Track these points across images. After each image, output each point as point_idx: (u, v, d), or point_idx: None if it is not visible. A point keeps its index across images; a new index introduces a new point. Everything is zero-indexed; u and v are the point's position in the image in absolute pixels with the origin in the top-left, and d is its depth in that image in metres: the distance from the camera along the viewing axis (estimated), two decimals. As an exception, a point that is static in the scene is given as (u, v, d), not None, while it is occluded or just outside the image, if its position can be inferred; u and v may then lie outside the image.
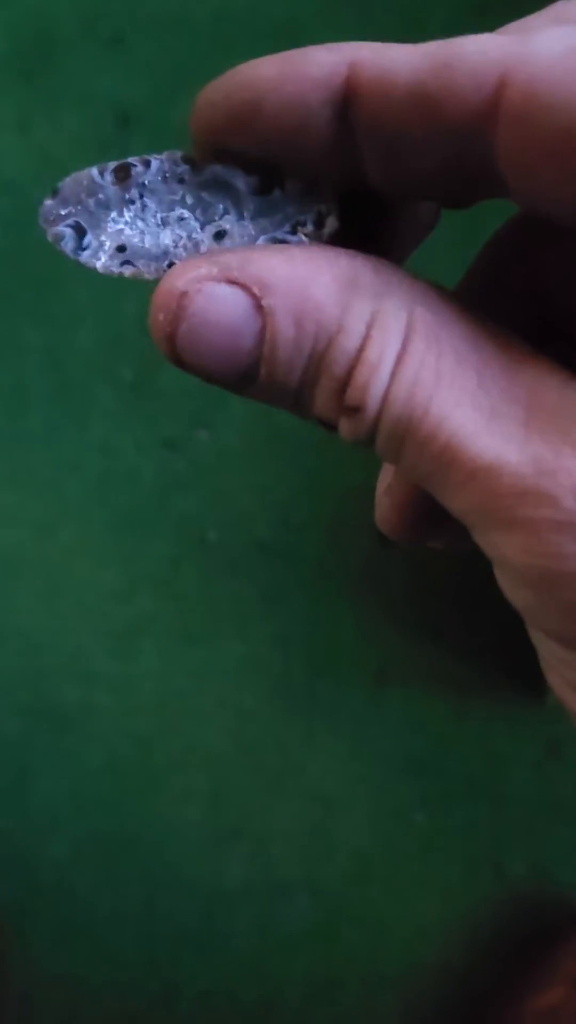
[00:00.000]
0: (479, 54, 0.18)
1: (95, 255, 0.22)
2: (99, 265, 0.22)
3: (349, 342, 0.18)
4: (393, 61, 0.18)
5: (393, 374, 0.18)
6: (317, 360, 0.18)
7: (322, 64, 0.19)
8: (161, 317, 0.19)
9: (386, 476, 0.25)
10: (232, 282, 0.19)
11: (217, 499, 0.57)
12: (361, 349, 0.18)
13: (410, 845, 0.55)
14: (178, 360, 0.19)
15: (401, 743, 0.55)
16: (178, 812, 0.55)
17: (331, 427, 0.19)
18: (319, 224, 0.21)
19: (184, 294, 0.19)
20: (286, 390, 0.19)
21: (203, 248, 0.21)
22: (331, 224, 0.21)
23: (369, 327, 0.18)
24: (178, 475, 0.57)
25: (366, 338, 0.18)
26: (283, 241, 0.21)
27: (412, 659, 0.55)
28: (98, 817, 0.55)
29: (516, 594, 0.19)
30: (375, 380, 0.18)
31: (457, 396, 0.18)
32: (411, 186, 0.20)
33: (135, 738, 0.56)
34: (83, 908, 0.55)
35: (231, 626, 0.56)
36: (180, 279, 0.19)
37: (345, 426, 0.19)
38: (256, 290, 0.18)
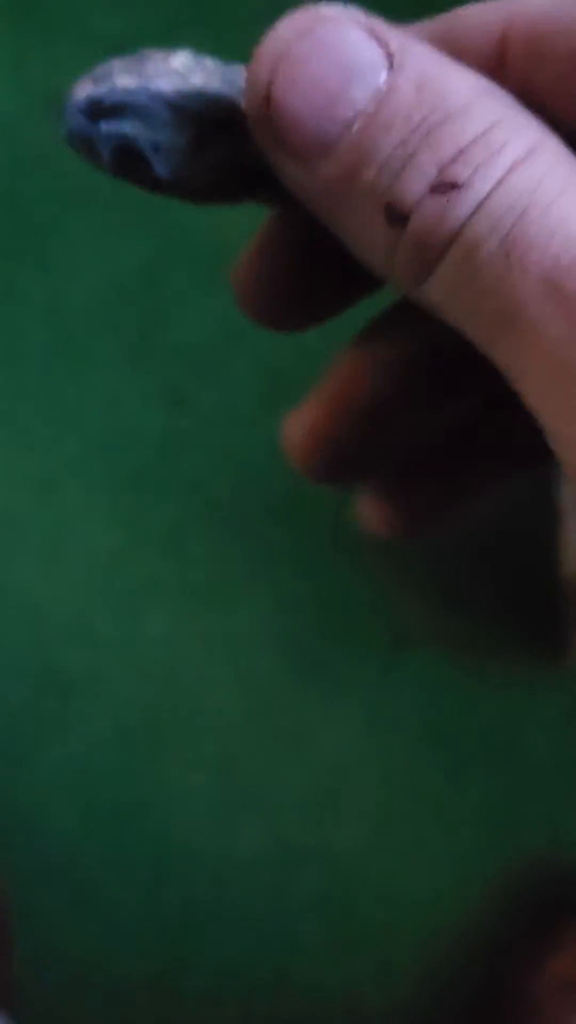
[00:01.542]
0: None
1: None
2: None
3: (470, 125, 0.16)
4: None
5: (512, 167, 0.15)
6: (425, 130, 0.16)
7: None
8: (281, 29, 0.16)
9: (306, 404, 0.22)
10: (372, 33, 0.16)
11: (226, 457, 0.56)
12: (484, 133, 0.16)
13: (426, 811, 0.55)
14: (267, 94, 0.16)
15: (417, 709, 0.55)
16: (188, 779, 0.55)
17: (398, 220, 0.16)
18: None
19: (319, 17, 0.16)
20: (365, 167, 0.16)
21: None
22: None
23: (495, 123, 0.16)
24: (185, 432, 0.56)
25: (490, 127, 0.16)
26: None
27: (429, 623, 0.55)
28: (106, 785, 0.55)
29: None
30: (492, 162, 0.15)
31: None
32: None
33: (143, 704, 0.55)
34: (92, 876, 0.55)
35: (241, 589, 0.55)
36: (322, 5, 0.17)
37: (427, 213, 0.16)
38: (393, 46, 0.16)
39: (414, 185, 0.16)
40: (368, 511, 0.24)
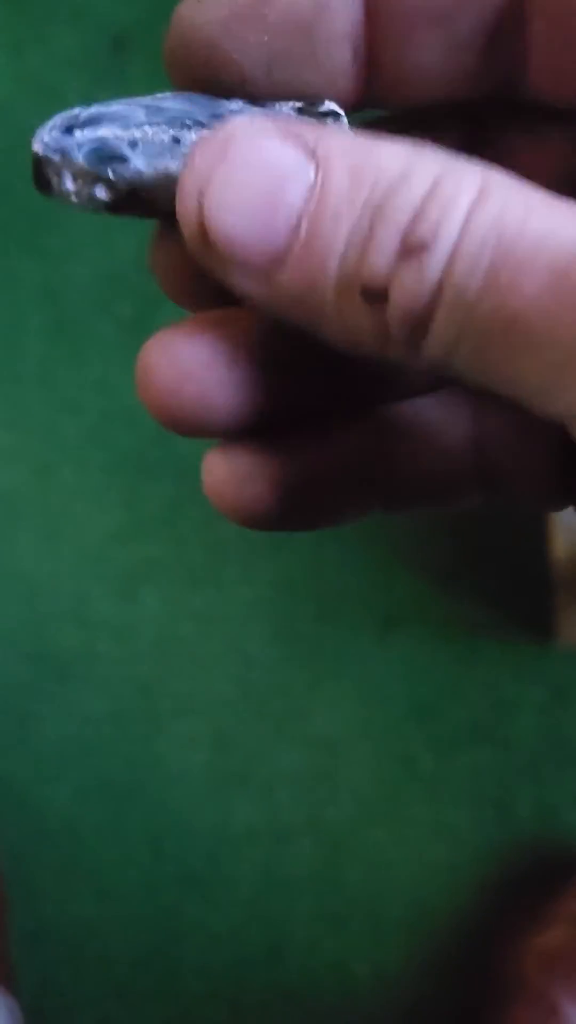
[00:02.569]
0: None
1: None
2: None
3: (415, 190, 0.15)
4: None
5: (471, 209, 0.15)
6: (372, 211, 0.15)
7: None
8: (197, 160, 0.16)
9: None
10: (285, 135, 0.16)
11: (220, 440, 0.56)
12: (431, 190, 0.15)
13: (415, 788, 0.55)
14: (202, 224, 0.16)
15: (407, 687, 0.55)
16: (182, 757, 0.55)
17: (377, 299, 0.16)
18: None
19: (231, 136, 0.16)
20: (326, 262, 0.16)
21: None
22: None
23: (439, 177, 0.15)
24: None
25: (436, 183, 0.15)
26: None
27: (420, 603, 0.55)
28: (102, 762, 0.55)
29: None
30: (451, 213, 0.15)
31: (560, 219, 0.15)
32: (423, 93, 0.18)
33: (138, 684, 0.56)
34: (88, 851, 0.55)
35: (235, 570, 0.55)
36: (231, 126, 0.16)
37: (404, 282, 0.15)
38: (311, 142, 0.16)
39: (382, 259, 0.15)
40: (218, 465, 0.20)
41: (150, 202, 0.18)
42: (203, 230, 0.16)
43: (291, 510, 0.19)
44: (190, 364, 0.18)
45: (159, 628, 0.56)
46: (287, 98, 0.18)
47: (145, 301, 0.57)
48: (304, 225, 0.16)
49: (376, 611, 0.55)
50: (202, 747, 0.55)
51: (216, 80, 0.18)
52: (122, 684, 0.56)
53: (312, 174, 0.16)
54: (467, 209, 0.15)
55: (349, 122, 0.19)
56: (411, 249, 0.15)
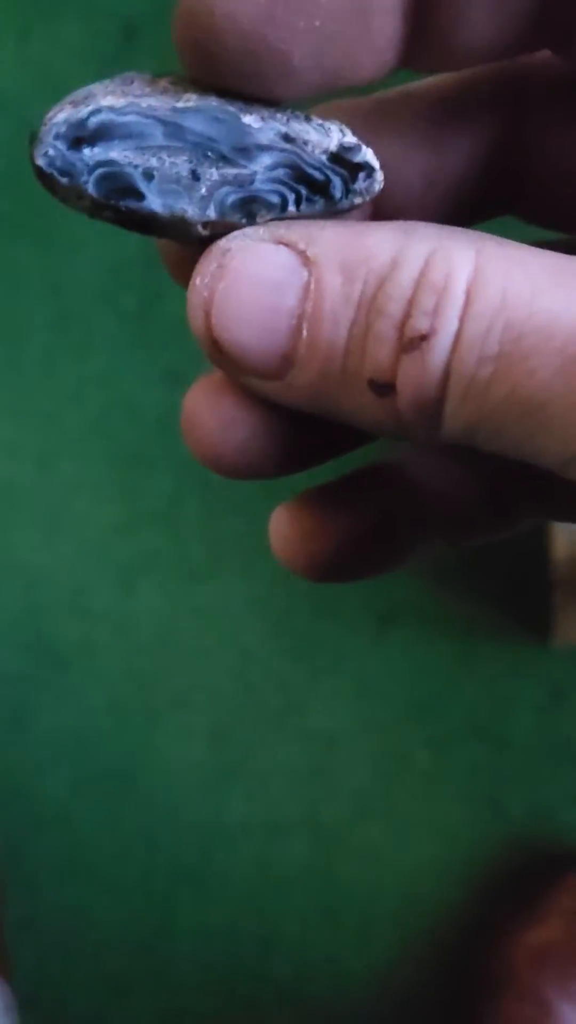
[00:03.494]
0: None
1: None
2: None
3: (406, 274, 0.15)
4: None
5: (468, 292, 0.15)
6: (367, 305, 0.16)
7: None
8: (198, 281, 0.17)
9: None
10: (278, 241, 0.17)
11: (222, 435, 0.56)
12: (422, 276, 0.15)
13: (411, 785, 0.55)
14: (212, 337, 0.17)
15: (405, 684, 0.55)
16: (179, 750, 0.55)
17: (386, 391, 0.16)
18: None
19: (227, 251, 0.17)
20: (331, 361, 0.16)
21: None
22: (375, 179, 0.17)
23: (429, 259, 0.15)
24: (181, 409, 0.56)
25: (426, 266, 0.15)
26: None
27: (418, 601, 0.55)
28: (99, 754, 0.56)
29: None
30: (446, 300, 0.15)
31: (566, 295, 0.15)
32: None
33: (136, 676, 0.56)
34: (84, 842, 0.55)
35: (235, 564, 0.56)
36: (226, 242, 0.17)
37: (408, 374, 0.16)
38: (302, 245, 0.16)
39: (382, 353, 0.16)
40: (283, 526, 0.21)
41: (160, 232, 0.17)
42: (215, 342, 0.17)
43: (357, 560, 0.20)
44: (232, 413, 0.19)
45: (157, 621, 0.56)
46: (317, 103, 0.17)
47: (149, 294, 0.57)
48: (305, 327, 0.16)
49: (374, 608, 0.55)
50: (198, 740, 0.55)
51: (256, 74, 0.17)
52: (120, 676, 0.56)
53: (306, 276, 0.16)
54: (464, 293, 0.15)
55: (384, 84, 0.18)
56: (411, 340, 0.15)
